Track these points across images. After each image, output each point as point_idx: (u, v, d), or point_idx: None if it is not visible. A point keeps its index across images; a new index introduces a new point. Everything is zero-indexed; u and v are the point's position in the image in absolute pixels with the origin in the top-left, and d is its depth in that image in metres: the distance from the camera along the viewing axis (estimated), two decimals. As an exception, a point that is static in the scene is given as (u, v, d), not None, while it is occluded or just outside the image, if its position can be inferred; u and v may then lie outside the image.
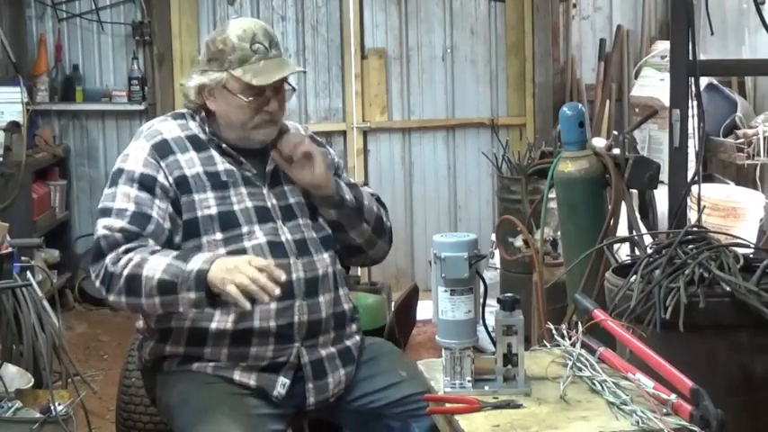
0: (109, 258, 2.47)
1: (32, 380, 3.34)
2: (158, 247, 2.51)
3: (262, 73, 2.57)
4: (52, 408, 3.09)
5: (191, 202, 2.58)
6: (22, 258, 3.76)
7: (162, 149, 2.61)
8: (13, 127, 5.28)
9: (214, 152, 2.63)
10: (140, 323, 2.71)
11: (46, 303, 3.71)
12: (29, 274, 3.73)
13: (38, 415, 3.09)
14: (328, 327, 2.63)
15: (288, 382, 2.55)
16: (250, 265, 2.36)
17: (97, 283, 2.51)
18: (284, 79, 2.63)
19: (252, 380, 2.53)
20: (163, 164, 2.58)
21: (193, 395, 2.49)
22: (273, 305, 2.51)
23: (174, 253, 2.48)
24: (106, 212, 2.56)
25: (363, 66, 6.27)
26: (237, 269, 2.35)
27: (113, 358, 5.03)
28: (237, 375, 2.53)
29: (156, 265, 2.43)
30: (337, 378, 2.63)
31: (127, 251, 2.48)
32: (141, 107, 6.15)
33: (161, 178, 2.57)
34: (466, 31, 6.37)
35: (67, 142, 6.23)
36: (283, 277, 2.38)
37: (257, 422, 2.46)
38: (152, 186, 2.56)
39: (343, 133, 6.32)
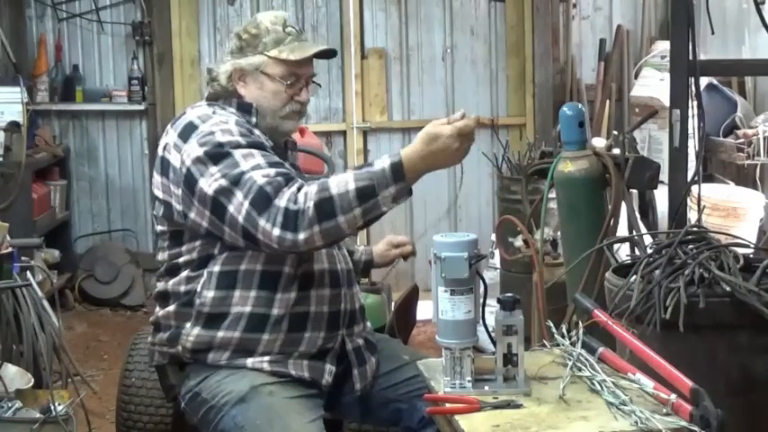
0: (284, 200, 2.31)
1: (32, 380, 3.33)
2: None
3: (298, 50, 2.58)
4: (52, 408, 3.09)
5: None
6: (22, 258, 3.75)
7: (242, 124, 2.53)
8: (13, 127, 5.28)
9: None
10: (160, 313, 2.58)
11: (46, 303, 3.70)
12: (29, 274, 3.72)
13: (38, 415, 3.09)
14: (361, 317, 2.71)
15: (333, 369, 2.58)
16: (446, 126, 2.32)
17: (276, 231, 2.30)
18: (313, 74, 2.64)
19: (306, 371, 2.52)
20: (254, 133, 2.52)
21: (253, 396, 2.45)
22: (327, 291, 2.57)
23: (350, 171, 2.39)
24: (240, 178, 2.35)
25: (363, 66, 6.26)
26: (439, 139, 2.30)
27: (113, 358, 5.03)
28: (292, 368, 2.51)
29: (342, 180, 2.32)
30: (372, 365, 2.68)
31: (299, 189, 2.33)
32: (141, 107, 6.15)
33: (264, 140, 2.51)
34: (466, 31, 6.37)
35: (67, 142, 6.24)
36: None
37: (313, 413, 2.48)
38: (261, 144, 2.48)
39: (343, 133, 6.32)
